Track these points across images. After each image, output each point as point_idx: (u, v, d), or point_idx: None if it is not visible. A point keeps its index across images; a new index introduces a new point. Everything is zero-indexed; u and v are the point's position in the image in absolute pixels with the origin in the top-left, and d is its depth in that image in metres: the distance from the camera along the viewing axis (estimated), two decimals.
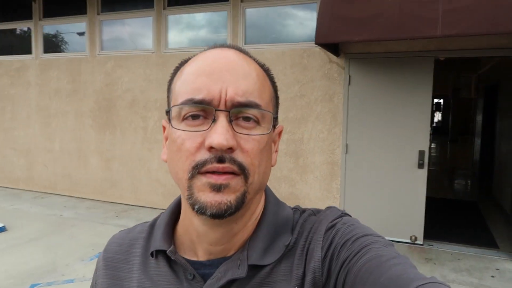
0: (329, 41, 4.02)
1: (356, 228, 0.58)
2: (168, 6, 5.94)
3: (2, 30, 7.41)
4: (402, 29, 3.55)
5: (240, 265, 0.58)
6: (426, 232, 4.72)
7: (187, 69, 0.58)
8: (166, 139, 0.63)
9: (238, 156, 0.54)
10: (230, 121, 0.54)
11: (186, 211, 0.62)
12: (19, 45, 7.25)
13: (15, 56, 7.20)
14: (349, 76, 4.81)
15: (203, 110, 0.55)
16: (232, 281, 0.58)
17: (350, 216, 0.64)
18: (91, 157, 6.61)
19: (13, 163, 7.39)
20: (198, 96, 0.54)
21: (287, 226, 0.63)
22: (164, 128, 0.64)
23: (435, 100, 25.47)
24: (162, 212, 0.70)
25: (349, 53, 4.79)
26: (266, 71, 0.63)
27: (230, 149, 0.53)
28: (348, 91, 4.83)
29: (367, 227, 0.60)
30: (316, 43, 4.05)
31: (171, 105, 0.59)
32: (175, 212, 0.68)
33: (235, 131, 0.54)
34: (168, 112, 0.59)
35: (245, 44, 5.44)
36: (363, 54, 4.73)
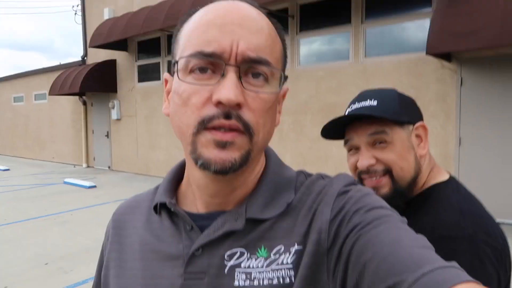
0: (439, 51, 4.87)
1: (370, 198, 0.57)
2: (300, 31, 7.31)
3: None
4: (503, 38, 4.25)
5: (238, 218, 0.58)
6: None
7: (196, 20, 0.56)
8: (168, 93, 0.62)
9: (245, 114, 0.52)
10: (239, 77, 0.52)
11: (188, 165, 0.62)
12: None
13: None
14: (461, 78, 5.50)
15: (211, 64, 0.53)
16: (230, 233, 0.58)
17: (364, 185, 0.62)
18: None
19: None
20: (208, 49, 0.52)
21: (289, 185, 0.62)
22: (166, 81, 0.63)
23: None
24: None
25: (460, 58, 5.49)
26: (277, 28, 0.60)
27: (238, 106, 0.52)
28: (460, 92, 5.52)
29: (381, 200, 0.58)
30: (427, 54, 4.92)
31: (178, 56, 0.56)
32: (179, 171, 0.69)
33: (244, 87, 0.53)
34: (174, 64, 0.56)
35: (365, 56, 6.49)
36: (474, 59, 5.39)
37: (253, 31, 0.54)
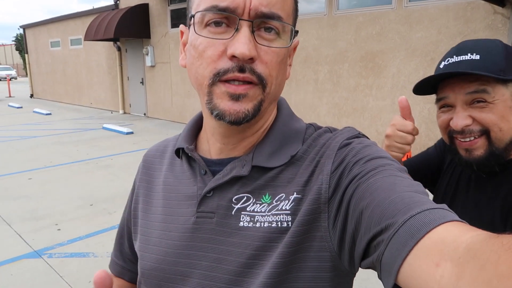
0: None
1: (371, 149, 0.58)
2: None
3: None
4: None
5: (245, 165, 0.62)
6: None
7: None
8: (184, 45, 0.65)
9: (258, 67, 0.55)
10: (252, 32, 0.55)
11: (205, 114, 0.66)
12: None
13: None
14: None
15: (226, 18, 0.55)
16: (237, 179, 0.62)
17: (368, 138, 0.64)
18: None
19: None
20: (223, 3, 0.54)
21: (298, 137, 0.65)
22: (181, 33, 0.66)
23: None
24: None
25: None
26: None
27: (251, 59, 0.54)
28: None
29: (383, 150, 0.59)
30: None
31: (194, 10, 0.58)
32: (199, 120, 0.73)
33: (257, 42, 0.55)
34: (190, 18, 0.59)
35: (409, 1, 6.07)
36: None
37: None
